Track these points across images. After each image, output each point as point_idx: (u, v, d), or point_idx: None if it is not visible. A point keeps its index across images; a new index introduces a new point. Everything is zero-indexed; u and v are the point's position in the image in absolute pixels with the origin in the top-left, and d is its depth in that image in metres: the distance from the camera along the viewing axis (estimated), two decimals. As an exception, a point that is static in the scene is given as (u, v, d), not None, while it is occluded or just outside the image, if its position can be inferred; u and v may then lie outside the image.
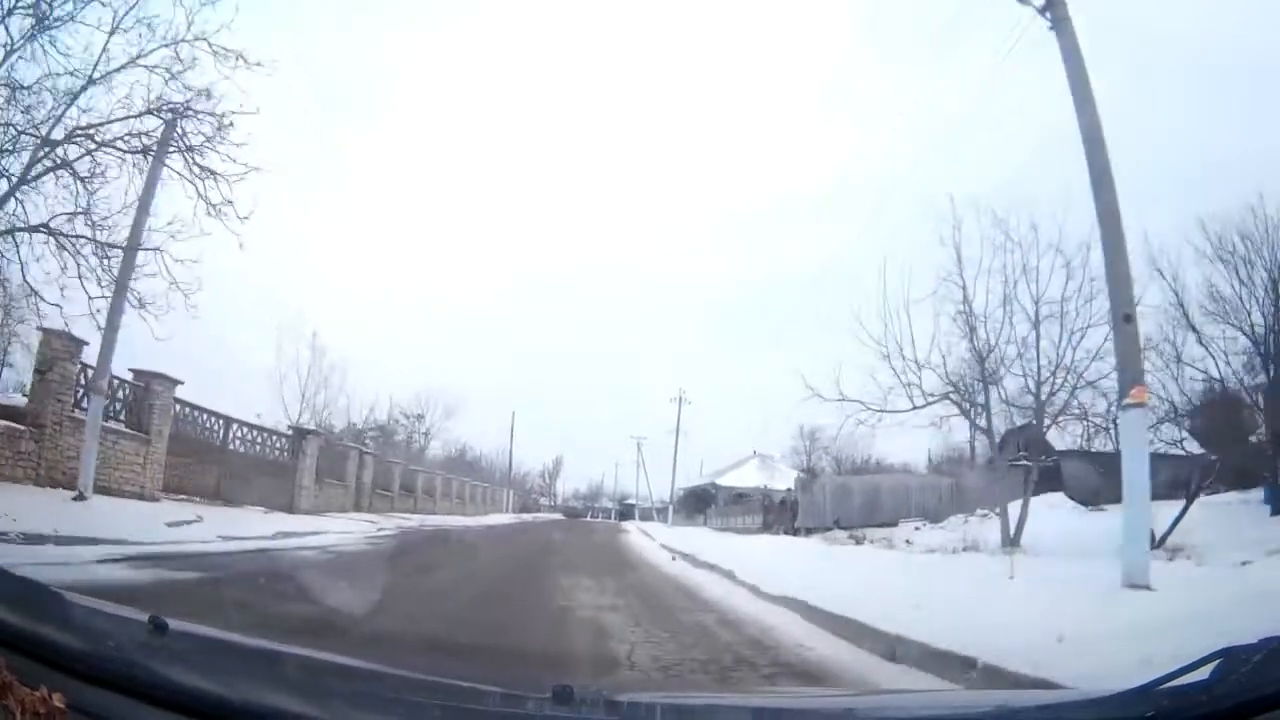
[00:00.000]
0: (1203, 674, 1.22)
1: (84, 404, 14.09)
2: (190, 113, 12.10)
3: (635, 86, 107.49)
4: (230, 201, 12.13)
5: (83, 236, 11.73)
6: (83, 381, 14.25)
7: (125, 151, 11.84)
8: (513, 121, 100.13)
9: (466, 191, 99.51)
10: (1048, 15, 8.83)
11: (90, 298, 12.04)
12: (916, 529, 22.32)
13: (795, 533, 29.86)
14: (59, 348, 13.68)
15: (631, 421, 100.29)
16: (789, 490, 32.25)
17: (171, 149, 12.37)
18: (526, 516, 54.73)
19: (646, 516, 74.60)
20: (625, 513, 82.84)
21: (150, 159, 12.16)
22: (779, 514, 34.49)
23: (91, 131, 11.68)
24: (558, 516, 66.72)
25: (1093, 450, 19.15)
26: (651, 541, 25.44)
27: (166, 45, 11.71)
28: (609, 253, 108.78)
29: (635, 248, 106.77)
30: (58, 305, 11.95)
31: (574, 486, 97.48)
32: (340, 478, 26.64)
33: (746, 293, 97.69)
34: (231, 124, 12.00)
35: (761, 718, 2.05)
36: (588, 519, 73.27)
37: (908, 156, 56.54)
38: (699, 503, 56.96)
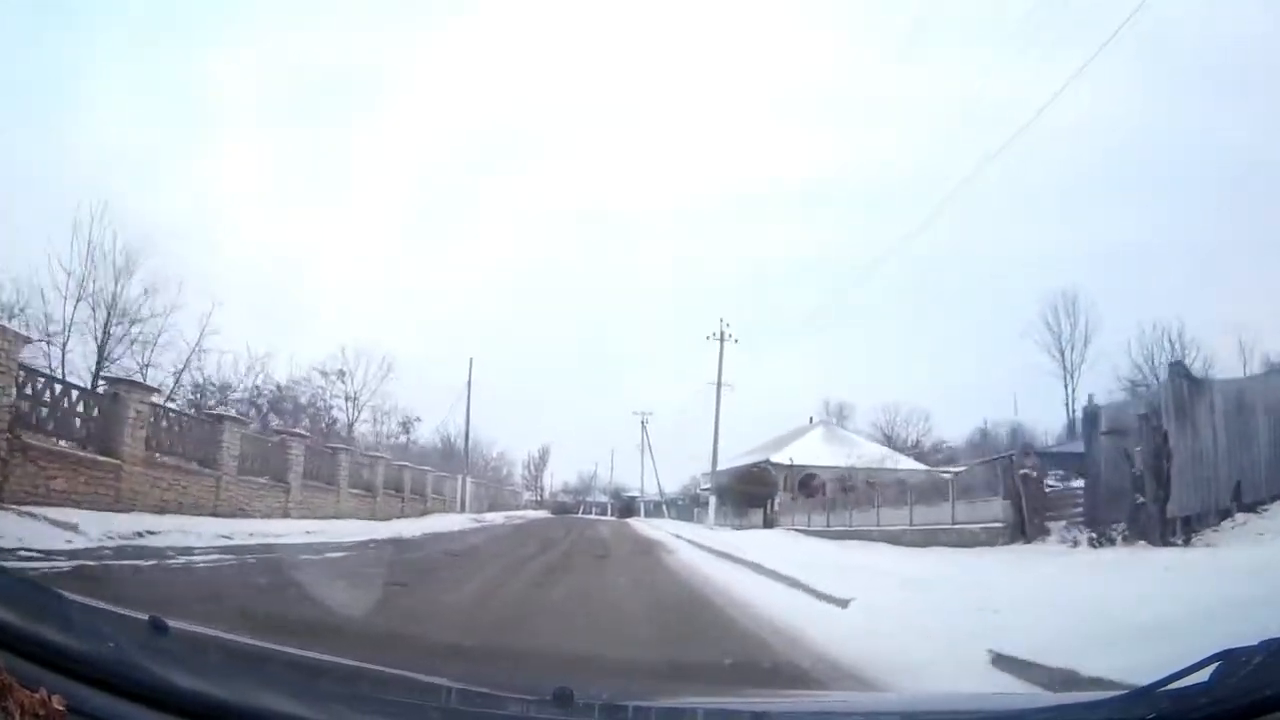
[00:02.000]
0: (1203, 676, 1.22)
1: None
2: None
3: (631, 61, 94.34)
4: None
5: None
6: None
7: None
8: (507, 102, 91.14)
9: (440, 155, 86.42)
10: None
11: None
12: None
13: (1167, 535, 12.35)
14: None
15: (624, 410, 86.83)
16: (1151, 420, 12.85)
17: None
18: (492, 518, 36.38)
19: (654, 512, 62.39)
20: (627, 508, 69.49)
21: None
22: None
23: None
24: (544, 515, 55.16)
25: None
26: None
27: None
28: (597, 228, 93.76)
29: (627, 226, 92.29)
30: None
31: (562, 479, 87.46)
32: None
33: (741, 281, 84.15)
34: None
35: None
36: (579, 515, 63.12)
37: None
38: (750, 490, 37.81)
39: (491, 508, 48.03)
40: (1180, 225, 59.87)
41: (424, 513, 32.44)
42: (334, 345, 40.75)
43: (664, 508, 63.78)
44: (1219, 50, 52.61)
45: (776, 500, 36.53)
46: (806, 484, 39.10)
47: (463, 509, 38.01)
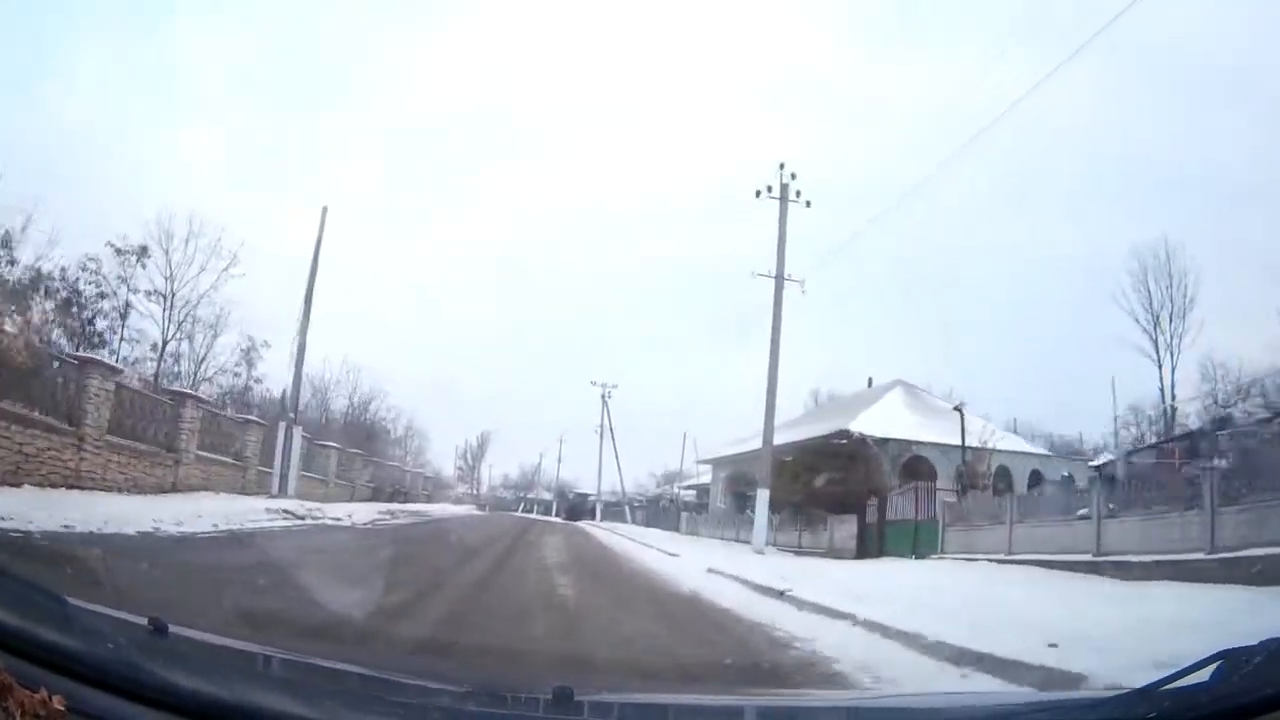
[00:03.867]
0: (1203, 675, 1.20)
1: None
2: None
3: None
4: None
5: None
6: None
7: None
8: (499, 95, 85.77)
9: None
10: None
11: None
12: None
13: None
14: None
15: (578, 398, 76.17)
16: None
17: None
18: (349, 514, 18.44)
19: (611, 515, 49.83)
20: (576, 509, 55.80)
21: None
22: None
23: None
24: (470, 512, 40.36)
25: None
26: None
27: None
28: (591, 222, 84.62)
29: (618, 224, 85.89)
30: None
31: (503, 473, 77.58)
32: None
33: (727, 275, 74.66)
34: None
35: (763, 718, 2.00)
36: (518, 513, 50.12)
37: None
38: (820, 484, 20.93)
39: (377, 495, 30.87)
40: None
41: (173, 487, 14.93)
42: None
43: (626, 510, 48.56)
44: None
45: (935, 501, 18.98)
46: (913, 469, 22.58)
47: (281, 490, 20.42)
